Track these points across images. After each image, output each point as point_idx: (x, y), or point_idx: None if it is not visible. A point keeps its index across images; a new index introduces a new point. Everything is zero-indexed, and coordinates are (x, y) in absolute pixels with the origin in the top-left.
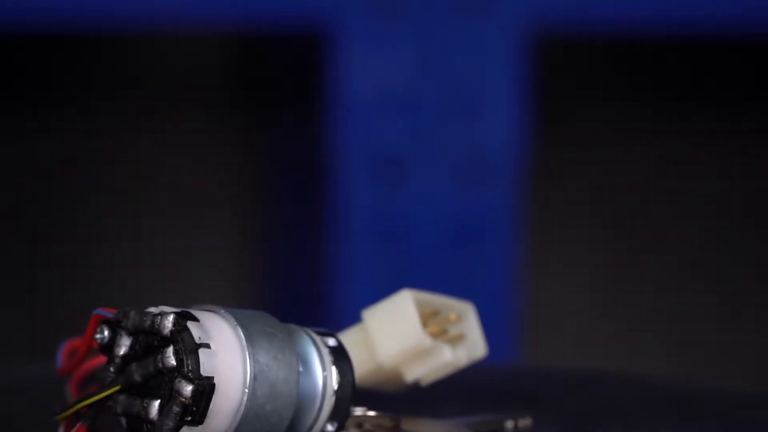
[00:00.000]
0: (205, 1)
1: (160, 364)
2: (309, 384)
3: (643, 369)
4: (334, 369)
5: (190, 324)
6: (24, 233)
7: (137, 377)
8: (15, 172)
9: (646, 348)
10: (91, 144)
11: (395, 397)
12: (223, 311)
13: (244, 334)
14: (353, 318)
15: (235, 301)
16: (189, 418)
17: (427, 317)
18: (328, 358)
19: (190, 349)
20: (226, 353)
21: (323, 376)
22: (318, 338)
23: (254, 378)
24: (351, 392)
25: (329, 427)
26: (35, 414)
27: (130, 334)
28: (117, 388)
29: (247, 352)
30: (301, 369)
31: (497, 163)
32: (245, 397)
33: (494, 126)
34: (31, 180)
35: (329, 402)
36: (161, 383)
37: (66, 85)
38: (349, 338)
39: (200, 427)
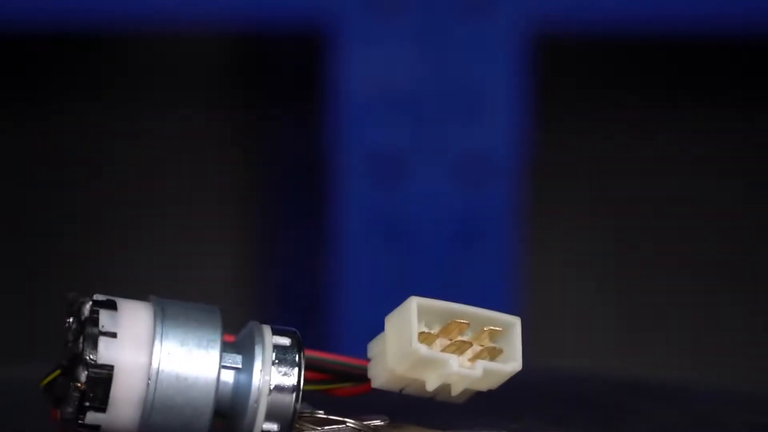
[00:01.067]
0: (205, 0)
1: (74, 351)
2: (243, 381)
3: (643, 369)
4: (273, 368)
5: (103, 312)
6: (23, 233)
7: (63, 362)
8: (13, 170)
9: (646, 348)
10: (89, 143)
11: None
12: (154, 301)
13: (159, 325)
14: (353, 318)
15: (234, 301)
16: (87, 404)
17: (453, 328)
18: (269, 356)
19: (91, 337)
20: (133, 343)
21: (260, 374)
22: (269, 337)
23: (159, 370)
24: (292, 392)
25: (268, 426)
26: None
27: (77, 320)
28: (57, 372)
29: (156, 343)
30: (236, 365)
31: (498, 163)
32: (150, 388)
33: (495, 125)
34: (30, 178)
35: (264, 401)
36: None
37: (64, 84)
38: (375, 344)
39: (108, 414)
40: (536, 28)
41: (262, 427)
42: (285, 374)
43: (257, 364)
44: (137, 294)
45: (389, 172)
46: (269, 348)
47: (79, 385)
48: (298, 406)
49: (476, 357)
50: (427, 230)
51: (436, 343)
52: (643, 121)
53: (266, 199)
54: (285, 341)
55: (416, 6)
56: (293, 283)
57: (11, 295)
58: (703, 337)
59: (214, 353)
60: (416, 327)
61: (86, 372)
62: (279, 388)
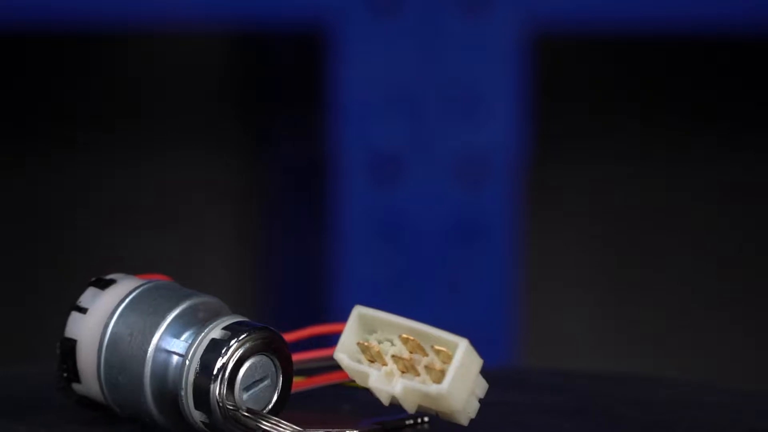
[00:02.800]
0: (205, 0)
1: None
2: (172, 367)
3: (643, 369)
4: (197, 357)
5: (90, 289)
6: (22, 236)
7: None
8: (13, 173)
9: (646, 348)
10: (88, 143)
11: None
12: (147, 284)
13: (120, 305)
14: None
15: (234, 300)
16: (65, 374)
17: (404, 341)
18: (201, 347)
19: (69, 310)
20: (95, 320)
21: (186, 363)
22: (212, 328)
23: (104, 347)
24: (207, 383)
25: (197, 416)
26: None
27: None
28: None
29: (108, 322)
30: (176, 350)
31: (497, 163)
32: (100, 363)
33: (494, 125)
34: (30, 181)
35: (190, 389)
36: None
37: (63, 85)
38: None
39: (84, 385)
40: (536, 27)
41: (193, 415)
42: (204, 365)
43: (191, 353)
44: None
45: (389, 172)
46: (205, 339)
47: (58, 355)
48: (224, 398)
49: (412, 372)
50: (427, 230)
51: (383, 354)
52: (643, 120)
53: (266, 198)
54: (218, 334)
55: (416, 6)
56: (293, 282)
57: (11, 295)
58: (703, 337)
59: (151, 338)
60: (351, 336)
61: (58, 343)
62: (200, 377)
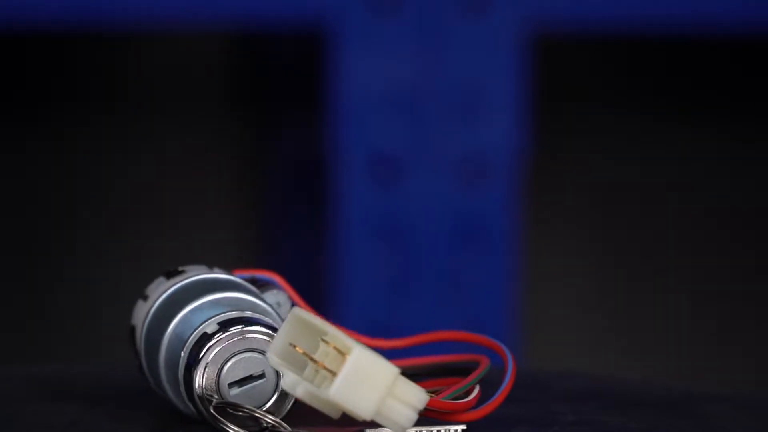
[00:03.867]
0: (205, 0)
1: None
2: (178, 358)
3: (642, 370)
4: (188, 348)
5: (159, 279)
6: (22, 236)
7: None
8: (13, 172)
9: (646, 348)
10: (88, 143)
11: None
12: (192, 274)
13: (163, 294)
14: (353, 317)
15: None
16: (135, 354)
17: (327, 346)
18: (193, 339)
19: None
20: (147, 307)
21: (182, 354)
22: (211, 322)
23: (144, 332)
24: (189, 375)
25: (191, 406)
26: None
27: None
28: None
29: (149, 310)
30: (180, 340)
31: (497, 163)
32: (140, 349)
33: (494, 125)
34: (29, 180)
35: (181, 379)
36: None
37: (62, 84)
38: None
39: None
40: (535, 28)
41: (188, 404)
42: (192, 358)
43: (186, 344)
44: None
45: (389, 172)
46: (200, 332)
47: None
48: (203, 389)
49: (319, 377)
50: (427, 230)
51: (307, 357)
52: (643, 120)
53: (266, 198)
54: (215, 328)
55: (416, 6)
56: (293, 282)
57: (10, 295)
58: (703, 337)
59: (168, 326)
60: (285, 336)
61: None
62: (186, 370)
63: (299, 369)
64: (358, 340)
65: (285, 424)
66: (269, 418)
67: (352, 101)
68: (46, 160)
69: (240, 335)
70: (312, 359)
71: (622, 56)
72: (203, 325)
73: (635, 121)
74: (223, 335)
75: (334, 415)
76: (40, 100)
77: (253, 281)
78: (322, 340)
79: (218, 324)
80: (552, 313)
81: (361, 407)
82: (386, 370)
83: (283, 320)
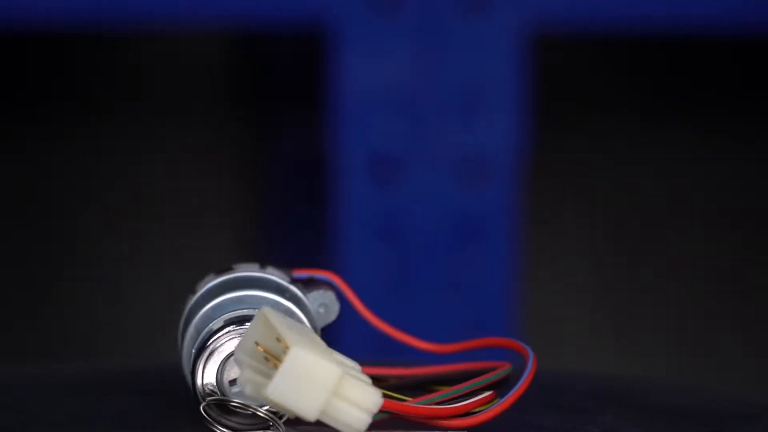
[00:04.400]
0: (205, 0)
1: None
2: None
3: (641, 370)
4: (197, 343)
5: (211, 274)
6: (22, 236)
7: None
8: (13, 172)
9: (646, 348)
10: (88, 143)
11: None
12: (238, 272)
13: (202, 289)
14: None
15: None
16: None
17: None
18: (203, 334)
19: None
20: (191, 299)
21: (192, 349)
22: (221, 319)
23: (181, 325)
24: (193, 369)
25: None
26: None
27: None
28: None
29: (188, 304)
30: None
31: (497, 163)
32: (179, 334)
33: (494, 125)
34: (29, 180)
35: (188, 373)
36: None
37: (63, 85)
38: None
39: None
40: (535, 28)
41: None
42: (197, 352)
43: (198, 339)
44: (138, 296)
45: (389, 172)
46: (209, 328)
47: None
48: (204, 384)
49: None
50: (427, 230)
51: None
52: (643, 120)
53: (266, 198)
54: (221, 325)
55: (416, 6)
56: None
57: (10, 295)
58: (702, 338)
59: (192, 320)
60: (252, 335)
61: None
62: (193, 363)
63: (265, 368)
64: (416, 346)
65: (279, 421)
66: (262, 412)
67: (352, 101)
68: (46, 160)
69: (240, 334)
70: (266, 359)
71: (622, 56)
72: (213, 322)
73: (635, 121)
74: (224, 333)
75: (291, 415)
76: (40, 100)
77: (311, 281)
78: (277, 339)
79: (224, 321)
80: (552, 313)
81: (303, 407)
82: (328, 370)
83: (325, 323)
